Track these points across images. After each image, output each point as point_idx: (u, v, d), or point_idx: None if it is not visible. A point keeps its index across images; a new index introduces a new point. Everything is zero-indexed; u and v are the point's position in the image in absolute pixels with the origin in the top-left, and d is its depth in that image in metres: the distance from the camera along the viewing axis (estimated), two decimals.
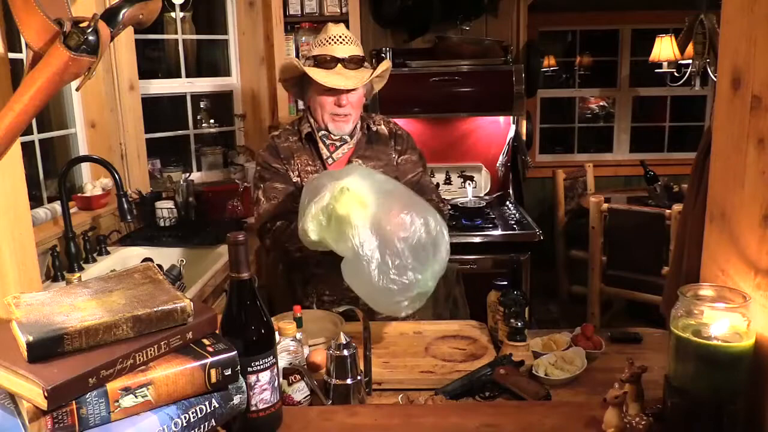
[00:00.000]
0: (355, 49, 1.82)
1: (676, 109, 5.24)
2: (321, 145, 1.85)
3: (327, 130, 1.85)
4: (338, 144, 1.85)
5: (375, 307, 1.41)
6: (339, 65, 1.78)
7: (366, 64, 1.86)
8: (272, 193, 1.83)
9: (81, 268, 2.24)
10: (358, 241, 1.32)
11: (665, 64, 4.04)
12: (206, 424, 0.91)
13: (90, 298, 0.94)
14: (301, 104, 3.45)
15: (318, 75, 1.76)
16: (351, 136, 1.87)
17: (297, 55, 3.43)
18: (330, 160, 1.85)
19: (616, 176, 5.02)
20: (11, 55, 1.16)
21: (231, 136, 3.66)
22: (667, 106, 5.24)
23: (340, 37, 1.80)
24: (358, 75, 1.80)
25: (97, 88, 2.72)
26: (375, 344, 1.45)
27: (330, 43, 1.80)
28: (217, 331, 0.99)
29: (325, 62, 1.79)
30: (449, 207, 1.97)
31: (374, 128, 1.93)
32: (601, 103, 5.57)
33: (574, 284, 4.20)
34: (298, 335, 1.35)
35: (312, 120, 1.87)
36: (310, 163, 1.85)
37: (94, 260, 2.36)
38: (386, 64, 1.88)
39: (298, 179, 1.84)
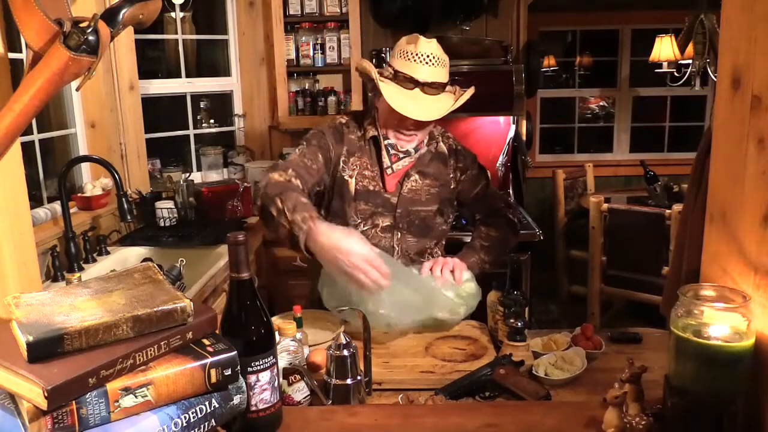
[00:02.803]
0: (440, 74, 1.66)
1: (676, 109, 5.24)
2: (384, 153, 1.77)
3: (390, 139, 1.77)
4: (401, 155, 1.77)
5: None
6: (417, 89, 1.65)
7: (449, 88, 1.72)
8: (304, 160, 1.71)
9: (81, 268, 2.24)
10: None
11: (665, 64, 4.04)
12: (206, 424, 0.91)
13: (90, 298, 0.94)
14: (301, 104, 3.46)
15: (392, 95, 1.63)
16: (416, 149, 1.78)
17: (297, 55, 3.43)
18: (389, 170, 1.77)
19: (616, 176, 5.02)
20: (11, 55, 1.16)
21: (231, 136, 3.67)
22: (667, 106, 5.24)
23: (428, 57, 1.64)
24: (434, 105, 1.66)
25: (97, 88, 2.72)
26: (375, 344, 1.45)
27: (414, 61, 1.64)
28: (217, 331, 0.99)
29: (404, 81, 1.65)
30: (518, 214, 1.96)
31: (435, 144, 1.84)
32: (601, 103, 5.57)
33: (574, 284, 4.20)
34: (298, 335, 1.35)
35: (378, 124, 1.77)
36: (369, 167, 1.78)
37: (94, 260, 2.36)
38: (471, 92, 1.74)
39: (352, 179, 1.76)
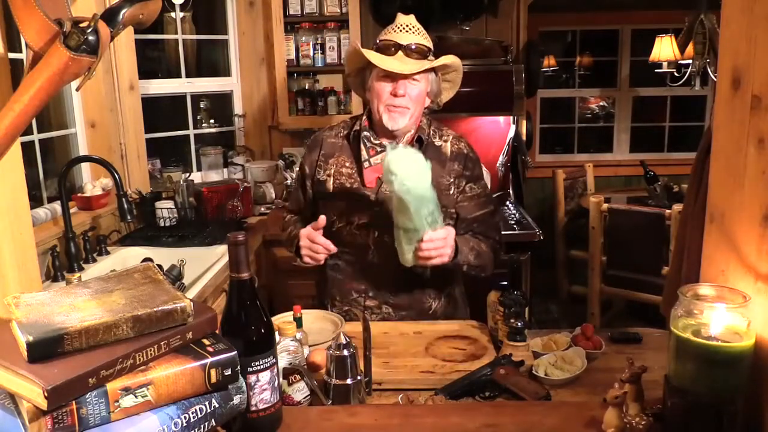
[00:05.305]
0: (420, 39, 1.72)
1: (676, 109, 5.24)
2: (362, 146, 1.77)
3: (374, 131, 1.77)
4: (378, 149, 1.76)
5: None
6: (400, 52, 1.69)
7: (431, 57, 1.75)
8: (291, 198, 2.03)
9: (81, 268, 2.24)
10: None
11: (665, 64, 4.04)
12: (206, 424, 0.91)
13: (90, 298, 0.94)
14: (301, 104, 3.46)
15: (375, 57, 1.69)
16: (393, 146, 1.74)
17: (297, 55, 3.44)
18: (366, 163, 1.76)
19: (616, 176, 5.03)
20: (11, 55, 1.16)
21: (231, 136, 3.67)
22: (667, 106, 5.24)
23: (406, 26, 1.73)
24: (418, 64, 1.69)
25: (97, 88, 2.72)
26: (375, 344, 1.45)
27: (394, 31, 1.73)
28: (217, 331, 0.99)
29: (387, 48, 1.71)
30: (503, 249, 1.94)
31: (437, 143, 1.80)
32: (601, 103, 5.57)
33: (574, 284, 4.20)
34: (298, 335, 1.35)
35: (365, 117, 1.80)
36: (347, 164, 1.79)
37: (94, 260, 2.36)
38: (450, 59, 1.75)
39: (330, 178, 1.79)
